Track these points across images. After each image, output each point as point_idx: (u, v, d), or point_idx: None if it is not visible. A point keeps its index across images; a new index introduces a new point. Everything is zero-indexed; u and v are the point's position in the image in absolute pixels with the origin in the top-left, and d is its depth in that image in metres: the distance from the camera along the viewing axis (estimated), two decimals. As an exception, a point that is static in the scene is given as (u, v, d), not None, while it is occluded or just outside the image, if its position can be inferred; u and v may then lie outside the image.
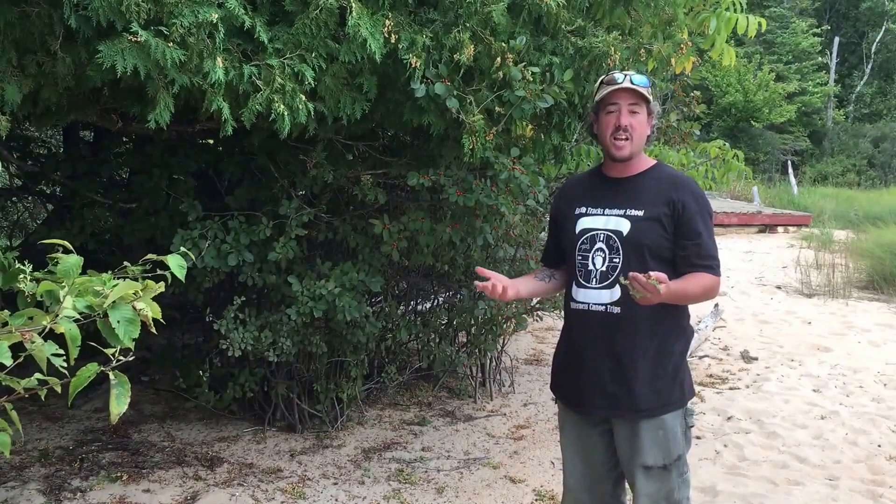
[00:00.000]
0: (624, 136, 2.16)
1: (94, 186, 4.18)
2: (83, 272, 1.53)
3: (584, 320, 2.21)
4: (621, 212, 2.18)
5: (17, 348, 1.37)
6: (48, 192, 5.00)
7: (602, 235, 2.19)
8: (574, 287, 2.24)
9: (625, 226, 2.16)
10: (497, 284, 2.19)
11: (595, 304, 2.18)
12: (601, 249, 2.19)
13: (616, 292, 2.15)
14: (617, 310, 2.15)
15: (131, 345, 1.44)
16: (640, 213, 2.15)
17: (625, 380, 2.15)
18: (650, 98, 2.18)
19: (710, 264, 2.13)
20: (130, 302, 1.47)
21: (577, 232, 2.25)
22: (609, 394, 2.18)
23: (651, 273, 1.98)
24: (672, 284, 2.04)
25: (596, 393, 2.20)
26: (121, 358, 1.42)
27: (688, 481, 2.22)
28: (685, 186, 2.17)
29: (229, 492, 3.33)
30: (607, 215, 2.20)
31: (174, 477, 3.47)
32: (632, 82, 2.13)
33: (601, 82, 2.21)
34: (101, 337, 1.45)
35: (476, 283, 2.22)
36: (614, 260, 2.16)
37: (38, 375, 1.41)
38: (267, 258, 3.45)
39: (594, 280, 2.19)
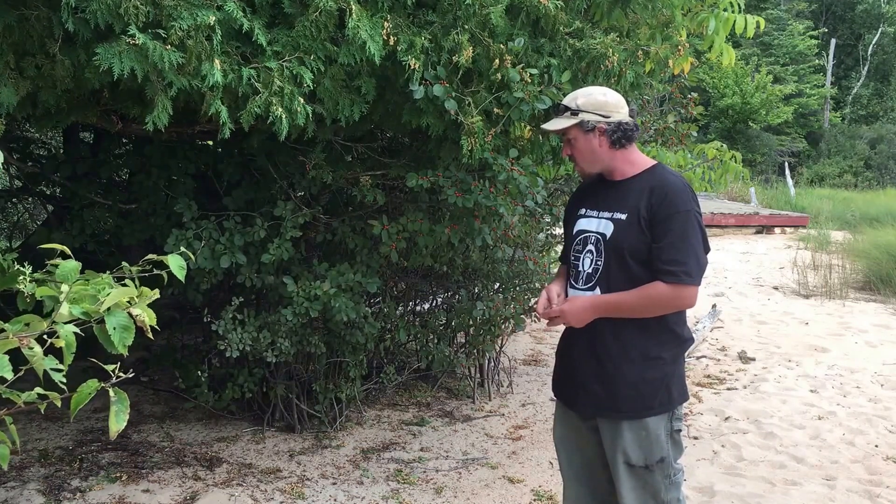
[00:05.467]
0: (574, 162, 2.28)
1: (93, 187, 4.18)
2: (81, 272, 1.54)
3: None
4: (610, 215, 2.20)
5: (15, 357, 1.38)
6: (48, 193, 4.99)
7: (592, 237, 2.22)
8: (569, 287, 2.29)
9: (609, 229, 2.18)
10: (545, 301, 2.28)
11: None
12: (590, 251, 2.21)
13: (596, 294, 2.18)
14: None
15: (125, 351, 1.46)
16: (624, 216, 2.16)
17: (607, 381, 2.18)
18: (577, 119, 2.18)
19: (673, 270, 2.05)
20: (126, 308, 1.48)
21: (574, 233, 2.30)
22: (592, 393, 2.21)
23: (552, 304, 2.21)
24: (604, 298, 2.13)
25: (581, 392, 2.25)
26: (121, 374, 1.43)
27: (677, 483, 2.23)
28: (663, 189, 2.12)
29: (228, 492, 3.34)
30: (600, 218, 2.23)
31: (173, 477, 3.48)
32: (553, 111, 2.28)
33: None
34: (96, 342, 1.46)
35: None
36: (598, 262, 2.18)
37: (38, 390, 1.42)
38: (262, 259, 3.45)
39: (581, 281, 2.23)
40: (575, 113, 2.19)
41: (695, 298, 2.11)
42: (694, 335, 6.10)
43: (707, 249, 2.16)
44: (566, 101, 2.23)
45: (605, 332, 2.18)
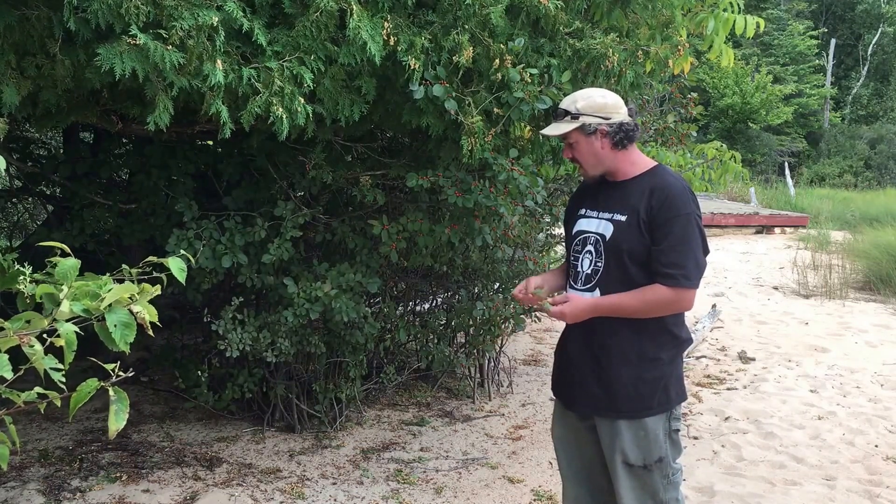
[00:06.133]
0: (578, 165, 2.27)
1: (93, 187, 4.19)
2: (81, 273, 1.54)
3: None
4: (609, 216, 2.20)
5: (15, 355, 1.37)
6: (48, 193, 5.00)
7: (592, 238, 2.22)
8: (568, 287, 2.29)
9: (609, 230, 2.18)
10: (522, 288, 2.29)
11: None
12: (590, 252, 2.22)
13: (596, 296, 2.18)
14: None
15: (127, 349, 1.45)
16: (624, 217, 2.16)
17: (605, 381, 2.18)
18: (577, 123, 2.17)
19: (673, 273, 2.07)
20: (127, 305, 1.48)
21: (573, 233, 2.30)
22: (591, 393, 2.22)
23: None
24: (604, 300, 2.13)
25: (579, 392, 2.26)
26: (121, 374, 1.43)
27: (675, 483, 2.23)
28: (663, 191, 2.12)
29: (228, 492, 3.34)
30: (599, 218, 2.23)
31: (173, 477, 3.48)
32: (553, 116, 2.27)
33: None
34: (96, 342, 1.46)
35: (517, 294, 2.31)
36: (598, 263, 2.19)
37: (38, 389, 1.42)
38: (262, 259, 3.45)
39: (580, 282, 2.23)
40: (575, 117, 2.18)
41: (693, 301, 2.14)
42: (694, 335, 6.14)
43: (706, 251, 2.16)
44: (565, 104, 2.21)
45: (603, 333, 2.18)
